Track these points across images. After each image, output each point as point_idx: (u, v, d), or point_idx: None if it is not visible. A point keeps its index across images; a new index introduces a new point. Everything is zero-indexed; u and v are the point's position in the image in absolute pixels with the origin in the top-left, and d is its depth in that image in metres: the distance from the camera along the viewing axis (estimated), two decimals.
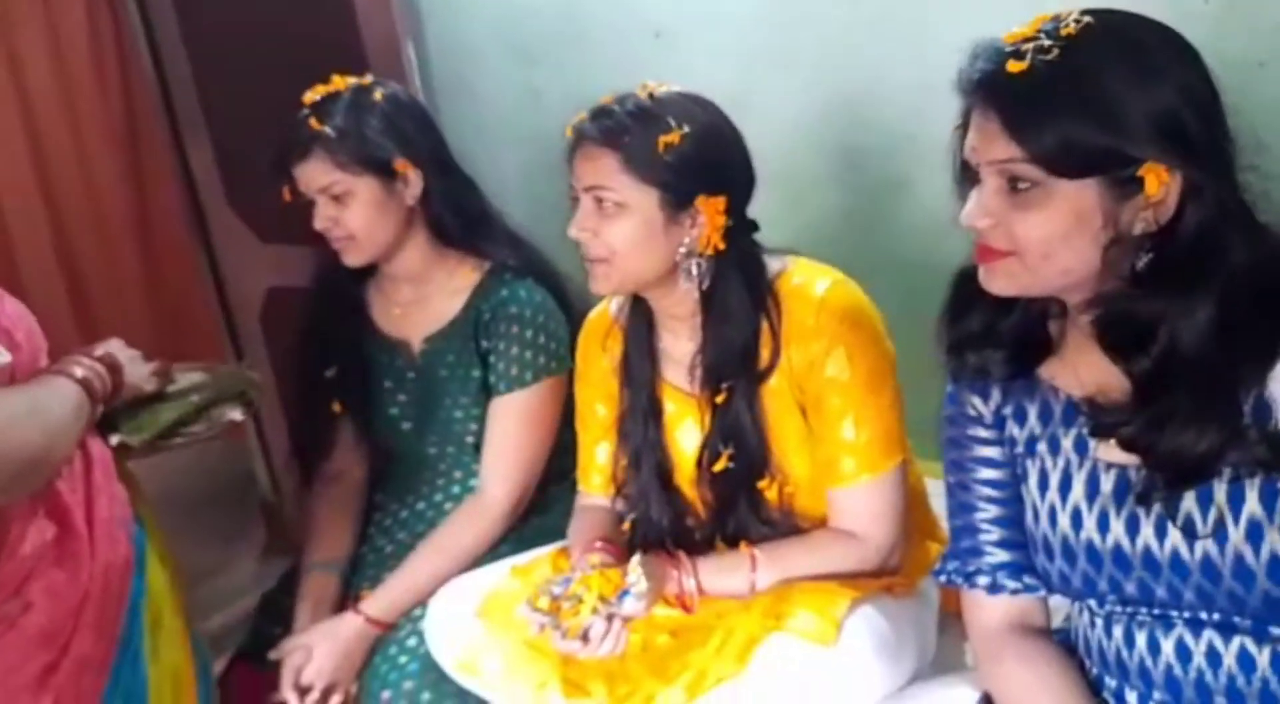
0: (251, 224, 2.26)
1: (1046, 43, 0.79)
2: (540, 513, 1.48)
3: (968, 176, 0.89)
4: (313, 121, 1.35)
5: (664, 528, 1.28)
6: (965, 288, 0.96)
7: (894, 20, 1.68)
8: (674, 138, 1.11)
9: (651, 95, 1.15)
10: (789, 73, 1.77)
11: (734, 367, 1.19)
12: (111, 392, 1.14)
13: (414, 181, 1.39)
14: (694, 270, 1.16)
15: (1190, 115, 0.78)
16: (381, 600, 1.38)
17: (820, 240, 1.22)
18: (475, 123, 2.10)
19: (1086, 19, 0.80)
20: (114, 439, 1.16)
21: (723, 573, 1.17)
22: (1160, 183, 0.78)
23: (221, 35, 2.07)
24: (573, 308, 1.47)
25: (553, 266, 1.49)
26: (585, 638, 1.09)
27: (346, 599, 1.44)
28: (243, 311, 2.39)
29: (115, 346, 1.19)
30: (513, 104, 2.09)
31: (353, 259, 1.41)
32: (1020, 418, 0.95)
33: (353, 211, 1.37)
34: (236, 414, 1.27)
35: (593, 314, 1.36)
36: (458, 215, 1.43)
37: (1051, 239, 0.81)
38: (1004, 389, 0.97)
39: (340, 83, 1.41)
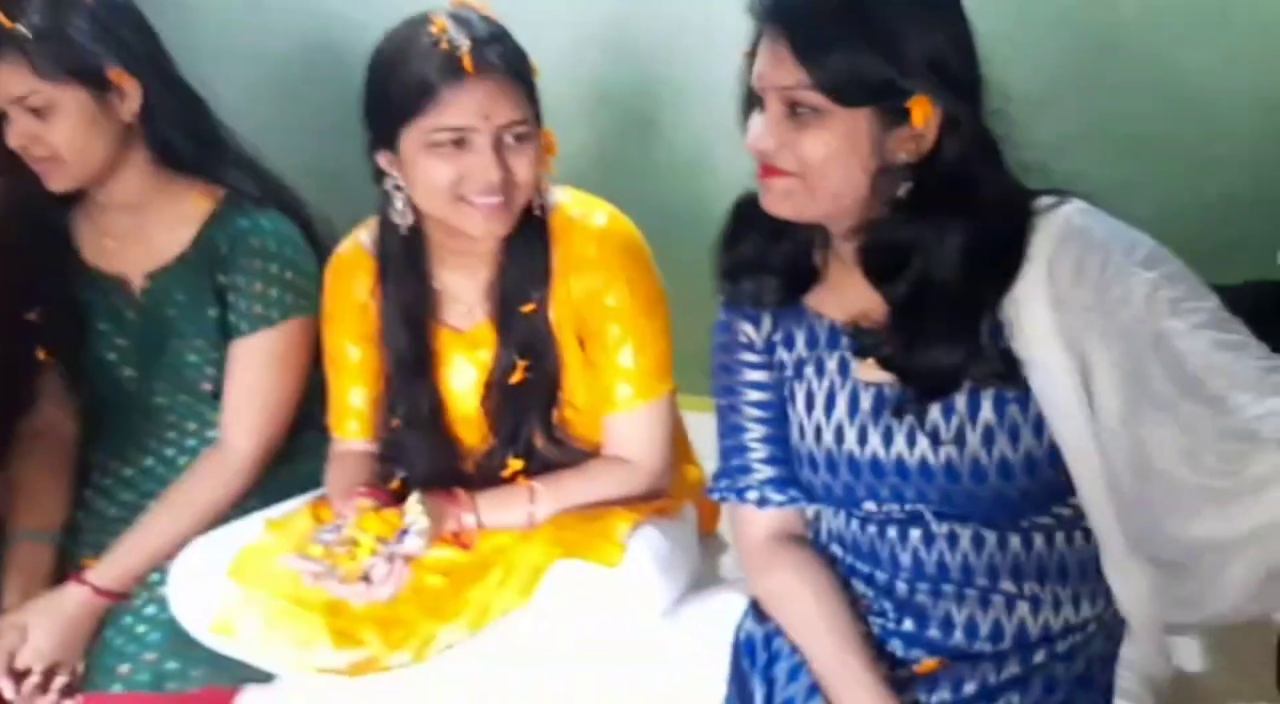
0: None
1: None
2: (289, 462, 1.37)
3: (753, 102, 0.93)
4: (2, 18, 1.14)
5: (438, 474, 1.24)
6: (742, 216, 1.03)
7: None
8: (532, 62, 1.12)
9: (488, 16, 1.12)
10: (545, 6, 1.75)
11: (535, 284, 1.18)
12: None
13: (131, 94, 1.23)
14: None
15: (956, 56, 0.87)
16: (110, 568, 1.24)
17: (570, 176, 1.23)
18: (189, 38, 1.88)
19: None
20: None
21: (501, 506, 1.16)
22: (925, 115, 0.86)
23: None
24: (319, 242, 1.37)
25: (296, 195, 1.37)
26: (366, 580, 1.04)
27: (64, 570, 1.28)
28: None
29: None
30: (234, 15, 1.89)
31: (58, 183, 1.23)
32: (789, 343, 1.03)
33: (57, 127, 1.19)
34: None
35: (341, 249, 1.27)
36: (185, 134, 1.28)
37: (827, 162, 0.88)
38: (774, 316, 1.04)
39: None
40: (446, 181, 1.08)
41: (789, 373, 1.03)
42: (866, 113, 0.86)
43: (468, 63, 1.05)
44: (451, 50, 1.05)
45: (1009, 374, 0.90)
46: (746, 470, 1.06)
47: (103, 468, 1.39)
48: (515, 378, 1.19)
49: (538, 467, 1.21)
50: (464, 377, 1.23)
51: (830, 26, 0.85)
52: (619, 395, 1.19)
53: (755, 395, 1.05)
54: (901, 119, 0.87)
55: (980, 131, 0.89)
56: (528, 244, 1.17)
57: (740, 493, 1.06)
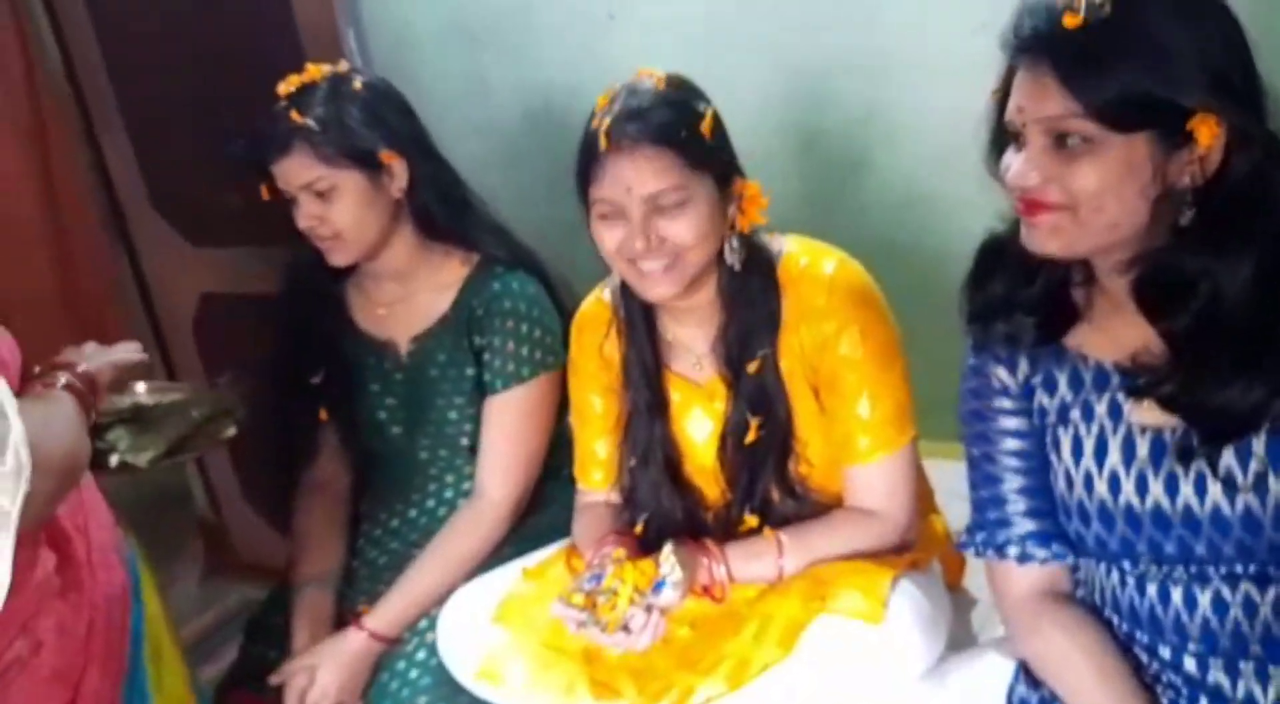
0: (179, 227, 2.13)
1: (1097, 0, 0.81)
2: (537, 512, 1.44)
3: (1002, 139, 0.90)
4: (293, 114, 1.28)
5: (678, 522, 1.26)
6: (990, 256, 0.98)
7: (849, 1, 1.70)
8: (710, 120, 1.10)
9: (666, 82, 1.12)
10: (747, 54, 1.78)
11: (761, 338, 1.17)
12: (95, 395, 1.06)
13: (399, 173, 1.34)
14: (735, 245, 1.15)
15: (1235, 66, 0.81)
16: (384, 614, 1.33)
17: (781, 222, 1.23)
18: (421, 115, 2.04)
19: None
20: (114, 460, 1.09)
21: (750, 559, 1.16)
22: (1212, 134, 0.80)
23: (137, 24, 1.93)
24: (561, 300, 1.44)
25: (539, 258, 1.45)
26: (626, 629, 1.07)
27: (341, 615, 1.39)
28: (172, 320, 2.26)
29: (89, 350, 1.11)
30: (460, 93, 2.03)
31: (340, 258, 1.35)
32: (1050, 387, 0.97)
33: (339, 208, 1.30)
34: (231, 430, 1.21)
35: (586, 305, 1.33)
36: (444, 206, 1.38)
37: (1104, 192, 0.82)
38: (1032, 359, 0.98)
39: (315, 71, 1.34)
40: (612, 248, 1.12)
41: (1052, 419, 0.97)
42: (1144, 137, 0.81)
43: (603, 140, 1.09)
44: (599, 126, 1.09)
45: None
46: (1006, 524, 1.00)
47: (372, 518, 1.51)
48: (749, 437, 1.19)
49: (775, 519, 1.21)
50: (702, 428, 1.25)
51: (1099, 51, 0.80)
52: (859, 447, 1.17)
53: (1013, 444, 1.00)
54: (1184, 141, 0.81)
55: (1273, 143, 0.82)
56: (749, 296, 1.17)
57: (1000, 548, 1.00)
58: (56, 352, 1.10)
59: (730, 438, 1.21)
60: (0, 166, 2.00)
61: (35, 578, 0.91)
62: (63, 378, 1.00)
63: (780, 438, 1.19)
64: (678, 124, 1.09)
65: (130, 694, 1.01)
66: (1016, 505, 1.00)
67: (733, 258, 1.15)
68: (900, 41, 1.69)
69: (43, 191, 2.08)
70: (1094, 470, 0.93)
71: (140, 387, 1.23)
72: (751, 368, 1.18)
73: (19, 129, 2.00)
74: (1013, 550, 0.99)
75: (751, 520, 1.22)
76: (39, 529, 0.94)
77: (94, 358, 1.08)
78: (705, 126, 1.10)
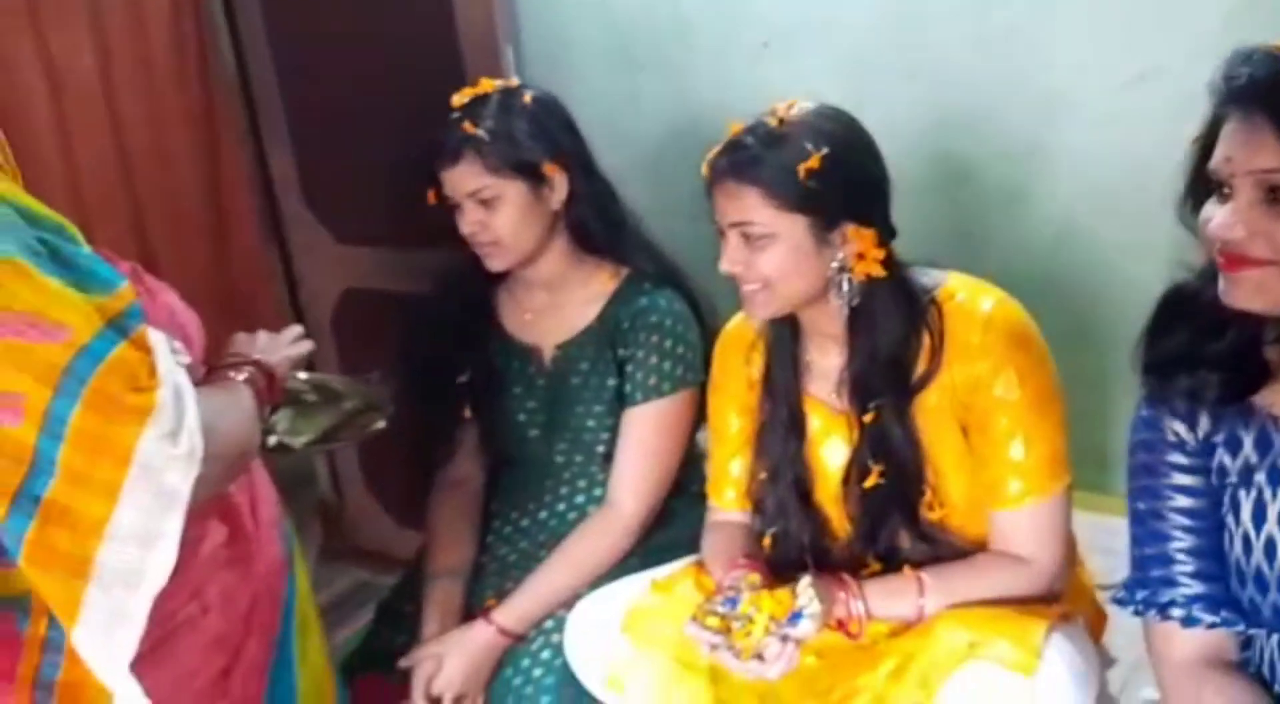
0: (328, 225, 2.24)
1: None
2: (664, 526, 1.45)
3: (1201, 189, 0.87)
4: (466, 125, 1.33)
5: (803, 544, 1.25)
6: (1173, 306, 0.95)
7: (1020, 34, 1.67)
8: (813, 163, 1.09)
9: (782, 120, 1.13)
10: (904, 84, 1.76)
11: (882, 382, 1.17)
12: (271, 392, 1.11)
13: (560, 185, 1.38)
14: (845, 287, 1.15)
15: None
16: (513, 611, 1.36)
17: (933, 253, 1.22)
18: None
19: None
20: (271, 440, 1.15)
21: (890, 597, 1.14)
22: None
23: (308, 35, 2.05)
24: (704, 318, 1.45)
25: (686, 275, 1.47)
26: (759, 657, 1.06)
27: (470, 608, 1.42)
28: (314, 313, 2.37)
29: (262, 340, 1.16)
30: (611, 108, 2.07)
31: (497, 264, 1.39)
32: (1233, 446, 0.93)
33: (501, 216, 1.35)
34: (380, 423, 1.27)
35: (731, 325, 1.33)
36: (599, 220, 1.41)
37: None
38: (1214, 416, 0.94)
39: (488, 85, 1.39)
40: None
41: (1232, 479, 0.93)
42: None
43: (705, 169, 1.15)
44: (710, 155, 1.15)
45: None
46: (1171, 584, 0.96)
47: (503, 517, 1.54)
48: (869, 483, 1.18)
49: (902, 563, 1.18)
50: (837, 456, 1.24)
51: None
52: (1009, 491, 1.14)
53: (1185, 502, 0.96)
54: None
55: None
56: (876, 333, 1.16)
57: (1163, 608, 0.96)
58: (216, 337, 1.15)
59: (853, 478, 1.21)
60: (172, 154, 2.15)
61: (204, 550, 0.96)
62: (245, 372, 1.04)
63: (905, 485, 1.17)
64: (767, 163, 1.11)
65: (278, 664, 1.05)
66: (1184, 566, 0.96)
67: (840, 299, 1.15)
68: (1070, 77, 1.66)
69: (208, 183, 2.21)
70: (1277, 536, 0.89)
71: (301, 374, 1.29)
72: (867, 419, 1.17)
73: (193, 120, 2.14)
74: (1178, 612, 0.95)
75: (875, 566, 1.21)
76: (209, 505, 0.99)
77: (268, 349, 1.13)
78: (803, 168, 1.09)
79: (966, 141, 1.78)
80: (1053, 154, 1.69)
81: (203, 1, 2.10)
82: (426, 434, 1.52)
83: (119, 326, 0.76)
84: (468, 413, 1.52)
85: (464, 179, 1.34)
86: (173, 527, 0.75)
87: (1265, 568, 0.89)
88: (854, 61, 1.79)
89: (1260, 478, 0.91)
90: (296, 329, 1.20)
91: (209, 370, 1.07)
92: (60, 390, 0.71)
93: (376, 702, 1.36)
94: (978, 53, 1.71)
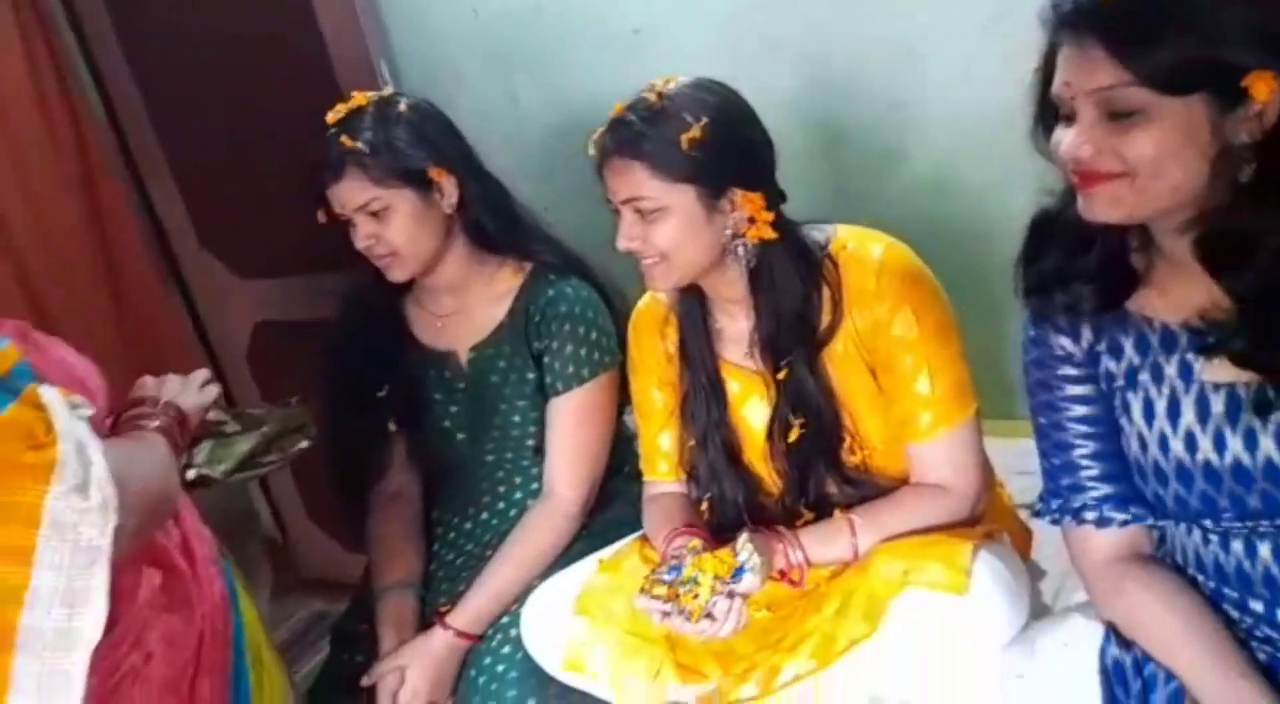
0: (228, 262, 2.21)
1: None
2: (603, 508, 1.48)
3: (1047, 115, 0.91)
4: (344, 139, 1.32)
5: (739, 505, 1.29)
6: (1041, 229, 0.99)
7: None
8: (696, 133, 1.12)
9: (661, 94, 1.16)
10: (773, 55, 1.81)
11: (790, 338, 1.21)
12: (183, 435, 1.11)
13: (449, 189, 1.38)
14: (740, 252, 1.19)
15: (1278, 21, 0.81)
16: (467, 612, 1.37)
17: (815, 215, 1.27)
18: None
19: None
20: (191, 473, 1.14)
21: (825, 542, 1.19)
22: (1270, 89, 0.80)
23: (175, 71, 2.01)
24: (612, 301, 1.47)
25: (589, 263, 1.48)
26: (710, 617, 1.09)
27: (424, 617, 1.42)
28: (227, 351, 2.33)
29: (171, 385, 1.15)
30: (491, 112, 2.08)
31: (398, 274, 1.39)
32: (1116, 352, 0.98)
33: (394, 227, 1.35)
34: (303, 444, 1.26)
35: (643, 304, 1.36)
36: (495, 219, 1.42)
37: (1162, 156, 0.83)
38: (1094, 326, 0.99)
39: (361, 98, 1.38)
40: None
41: (1119, 383, 0.98)
42: (1200, 99, 0.82)
43: (592, 149, 1.19)
44: (594, 137, 1.19)
45: None
46: (1080, 489, 1.02)
47: (445, 523, 1.55)
48: (792, 436, 1.22)
49: (834, 509, 1.23)
50: (760, 415, 1.28)
51: (1147, 19, 0.81)
52: (921, 424, 1.19)
53: (1081, 410, 1.01)
54: (1240, 98, 0.81)
55: None
56: (777, 292, 1.19)
57: (1076, 513, 1.02)
58: (114, 381, 1.12)
59: (775, 435, 1.25)
60: (56, 220, 2.07)
61: (140, 597, 0.95)
62: (157, 420, 1.03)
63: (826, 434, 1.22)
64: (649, 137, 1.13)
65: (236, 699, 1.05)
66: (1090, 470, 1.01)
67: (739, 263, 1.19)
68: (921, 33, 1.72)
69: (97, 241, 2.14)
70: (1168, 431, 0.94)
71: (213, 413, 1.27)
72: (781, 376, 1.21)
73: (71, 184, 2.07)
74: (1090, 515, 1.01)
75: (808, 514, 1.25)
76: (139, 553, 0.97)
77: (179, 393, 1.12)
78: (685, 139, 1.12)
79: (837, 104, 1.84)
80: (918, 106, 1.76)
81: (56, 41, 2.03)
82: (355, 452, 1.51)
83: (6, 387, 0.75)
84: (393, 426, 1.52)
85: (351, 194, 1.34)
86: (99, 581, 0.74)
87: (1162, 461, 0.95)
88: (723, 39, 1.82)
89: (1144, 377, 0.96)
90: (204, 373, 1.18)
91: (115, 421, 1.05)
92: None
93: None
94: (839, 16, 1.76)
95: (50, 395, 0.77)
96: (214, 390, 1.16)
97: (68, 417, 0.77)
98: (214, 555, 1.10)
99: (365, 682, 1.36)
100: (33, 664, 0.72)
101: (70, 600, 0.73)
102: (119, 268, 2.17)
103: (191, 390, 1.13)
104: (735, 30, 1.82)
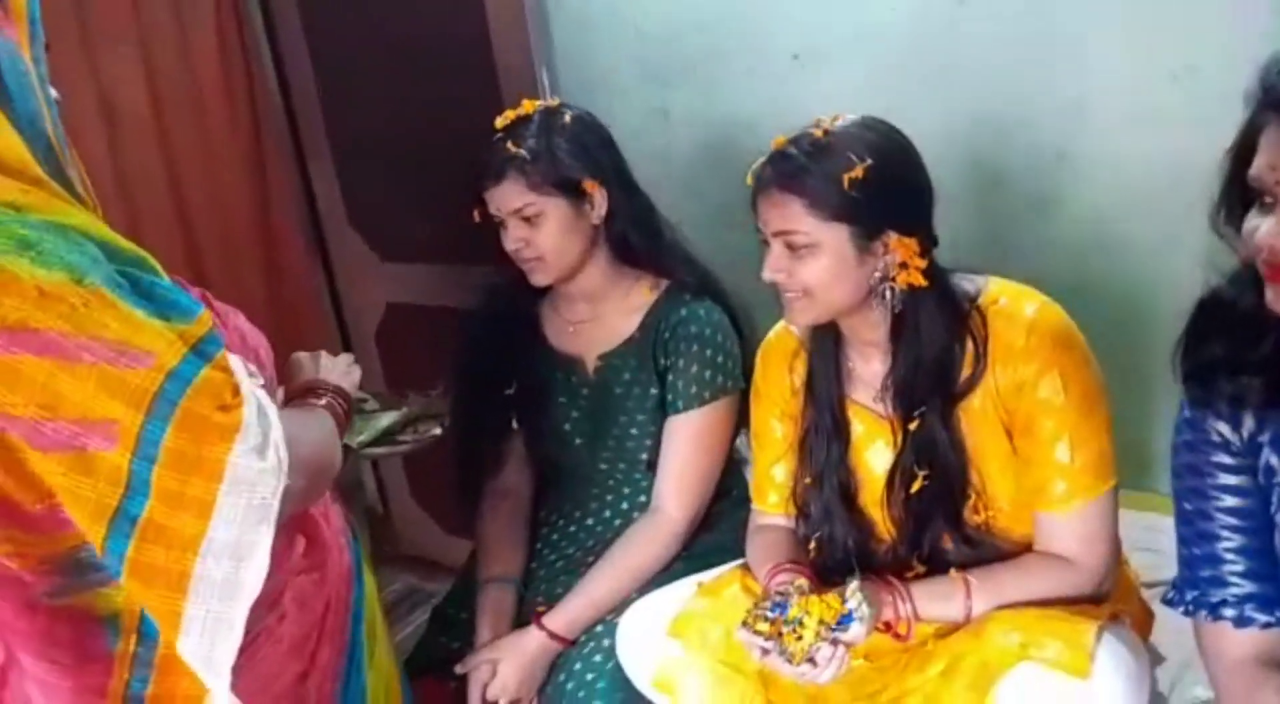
0: (372, 243, 2.30)
1: None
2: (707, 530, 1.48)
3: (1238, 196, 0.87)
4: (509, 145, 1.37)
5: (848, 548, 1.27)
6: (1210, 312, 0.95)
7: (1050, 39, 1.68)
8: (857, 173, 1.11)
9: (826, 131, 1.15)
10: (934, 92, 1.78)
11: (925, 388, 1.18)
12: (346, 415, 1.15)
13: (600, 202, 1.41)
14: (887, 296, 1.17)
15: None
16: (563, 616, 1.39)
17: (965, 260, 1.23)
18: None
19: None
20: None
21: (937, 598, 1.16)
22: None
23: (350, 61, 2.11)
24: (742, 327, 1.47)
25: (724, 286, 1.49)
26: (811, 661, 1.08)
27: (521, 614, 1.45)
28: (359, 328, 2.44)
29: (333, 366, 1.19)
30: (642, 126, 2.11)
31: (541, 279, 1.43)
32: (1279, 445, 0.94)
33: (544, 232, 1.38)
34: (437, 430, 1.30)
35: (774, 334, 1.36)
36: (639, 234, 1.44)
37: None
38: (1258, 417, 0.94)
39: (529, 106, 1.43)
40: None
41: (1279, 479, 0.94)
42: None
43: (750, 179, 1.18)
44: (756, 165, 1.18)
45: None
46: (1221, 584, 0.97)
47: (552, 524, 1.58)
48: (914, 487, 1.19)
49: (947, 566, 1.20)
50: (883, 460, 1.26)
51: None
52: (1056, 492, 1.15)
53: (1233, 501, 0.96)
54: None
55: None
56: (919, 341, 1.17)
57: (1214, 608, 0.97)
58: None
59: (897, 483, 1.22)
60: (225, 189, 2.22)
61: (291, 559, 1.00)
62: (325, 398, 1.09)
63: (951, 489, 1.19)
64: (811, 173, 1.13)
65: (350, 667, 1.09)
66: (1234, 566, 0.97)
67: (883, 307, 1.17)
68: (1101, 81, 1.66)
69: (258, 211, 2.28)
70: None
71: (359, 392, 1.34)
72: (912, 426, 1.19)
73: (243, 152, 2.21)
74: (1229, 611, 0.96)
75: (919, 568, 1.22)
76: (291, 518, 1.02)
77: (330, 369, 1.16)
78: (847, 179, 1.11)
79: (997, 147, 1.79)
80: (1083, 158, 1.71)
81: (246, 27, 2.17)
82: (475, 445, 1.55)
83: (201, 351, 0.80)
84: (515, 424, 1.56)
85: (508, 197, 1.38)
86: (264, 538, 0.78)
87: None
88: (884, 70, 1.81)
89: None
90: (349, 356, 1.24)
91: (288, 398, 1.11)
92: (151, 414, 0.75)
93: None
94: (1008, 57, 1.72)
95: (235, 362, 0.82)
96: (357, 372, 1.21)
97: (249, 383, 0.82)
98: (343, 527, 1.14)
99: (459, 669, 1.39)
100: (200, 609, 0.76)
101: (239, 553, 0.77)
102: (278, 244, 2.31)
103: (340, 368, 1.18)
104: (896, 63, 1.81)
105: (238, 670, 0.81)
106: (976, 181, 1.81)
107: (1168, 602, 1.03)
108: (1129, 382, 1.63)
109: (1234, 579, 0.96)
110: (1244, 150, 0.86)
